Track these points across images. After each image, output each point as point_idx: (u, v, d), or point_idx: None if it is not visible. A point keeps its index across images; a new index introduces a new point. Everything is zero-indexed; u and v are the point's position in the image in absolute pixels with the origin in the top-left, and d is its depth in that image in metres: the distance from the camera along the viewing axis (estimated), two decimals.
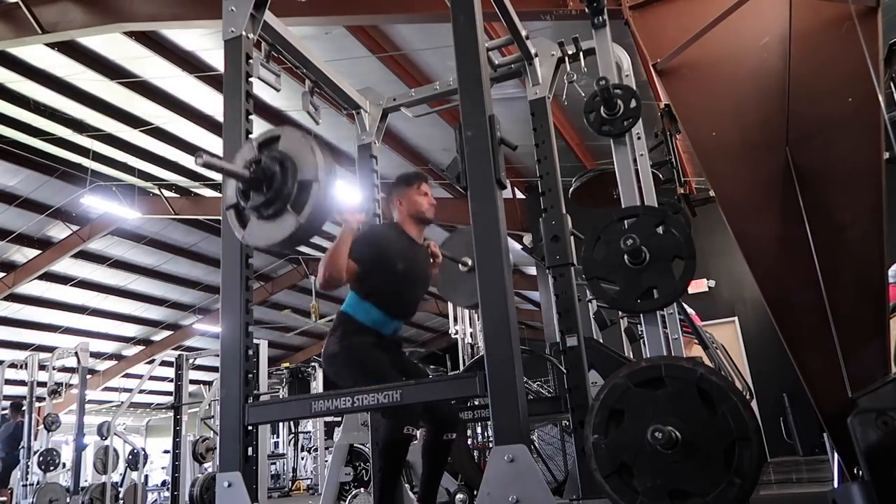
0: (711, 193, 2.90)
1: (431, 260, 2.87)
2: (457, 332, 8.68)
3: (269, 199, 1.95)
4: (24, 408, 8.68)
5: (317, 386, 11.64)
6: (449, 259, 3.14)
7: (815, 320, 2.41)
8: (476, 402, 3.19)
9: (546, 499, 1.70)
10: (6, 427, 8.78)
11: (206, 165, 1.84)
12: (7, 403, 9.02)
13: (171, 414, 8.07)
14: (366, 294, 2.59)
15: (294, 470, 12.05)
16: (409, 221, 2.77)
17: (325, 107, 3.34)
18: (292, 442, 12.34)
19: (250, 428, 2.12)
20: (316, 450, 10.79)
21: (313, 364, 12.41)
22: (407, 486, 2.75)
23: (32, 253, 12.09)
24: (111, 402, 17.68)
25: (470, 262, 3.25)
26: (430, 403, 2.48)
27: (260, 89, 2.56)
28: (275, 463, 12.11)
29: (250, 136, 2.15)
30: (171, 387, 9.47)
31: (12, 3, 6.68)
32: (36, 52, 7.51)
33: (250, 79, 2.42)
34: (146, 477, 10.85)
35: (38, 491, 7.65)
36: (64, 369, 10.04)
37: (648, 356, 2.11)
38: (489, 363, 1.84)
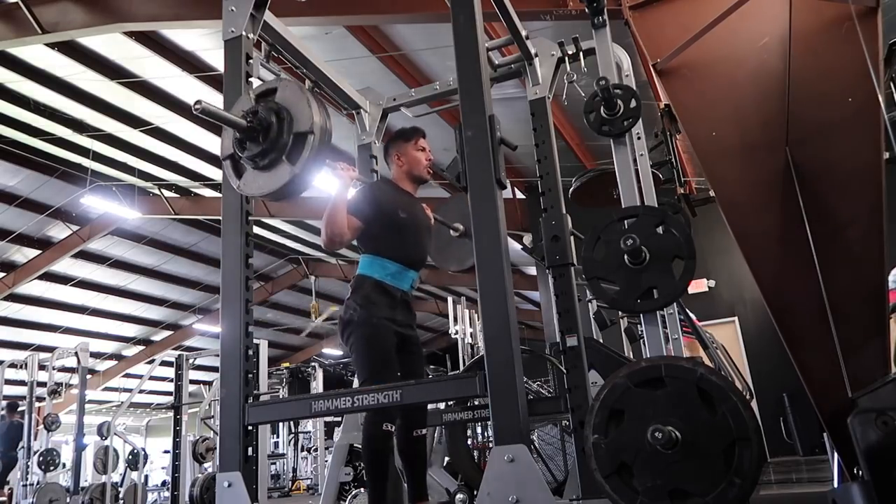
0: (711, 193, 2.90)
1: None
2: (457, 332, 8.69)
3: (265, 149, 1.98)
4: (20, 407, 8.68)
5: (317, 386, 11.65)
6: (441, 223, 3.19)
7: (815, 320, 2.41)
8: (476, 402, 3.19)
9: (546, 499, 1.70)
10: (1, 426, 8.78)
11: (204, 112, 1.89)
12: (4, 403, 9.02)
13: (171, 414, 8.07)
14: (376, 249, 2.65)
15: (294, 470, 12.06)
16: (406, 178, 2.84)
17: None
18: (292, 442, 12.35)
19: (250, 428, 2.12)
20: (316, 450, 10.79)
21: (313, 364, 12.41)
22: (407, 485, 2.75)
23: (32, 253, 12.09)
24: (111, 402, 17.70)
25: (462, 228, 3.30)
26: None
27: None
28: (275, 463, 12.12)
29: (248, 90, 2.20)
30: (171, 387, 9.47)
31: (12, 3, 6.68)
32: (36, 52, 7.51)
33: (250, 79, 2.42)
34: (146, 477, 10.85)
35: (38, 491, 7.65)
36: (64, 369, 10.04)
37: (648, 356, 2.11)
38: (489, 363, 1.84)
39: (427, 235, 2.88)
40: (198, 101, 1.87)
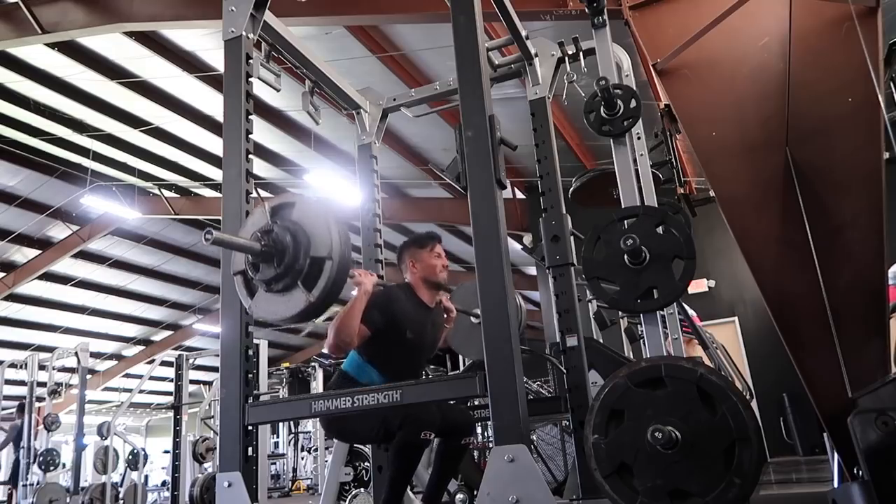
0: (711, 193, 2.90)
1: (445, 315, 2.81)
2: None
3: (279, 273, 1.88)
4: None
5: (317, 386, 11.64)
6: (461, 312, 3.09)
7: (815, 320, 2.41)
8: (476, 402, 3.19)
9: (546, 499, 1.70)
10: (14, 428, 8.78)
11: (217, 243, 1.80)
12: (14, 404, 9.02)
13: (171, 414, 8.07)
14: (369, 357, 2.56)
15: (294, 470, 12.04)
16: (422, 285, 2.71)
17: (325, 107, 3.34)
18: (292, 442, 12.34)
19: (250, 428, 2.12)
20: (316, 450, 10.78)
21: (313, 364, 12.40)
22: (426, 488, 2.75)
23: (32, 253, 12.09)
24: (111, 402, 17.70)
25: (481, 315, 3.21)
26: (445, 409, 2.50)
27: (260, 89, 2.56)
28: (275, 463, 12.10)
29: (263, 201, 2.09)
30: (171, 387, 9.47)
31: (12, 3, 6.68)
32: (36, 52, 7.51)
33: (250, 79, 2.42)
34: (146, 477, 10.85)
35: (38, 491, 7.65)
36: (64, 369, 10.03)
37: (648, 356, 2.11)
38: (489, 363, 1.84)
39: (427, 354, 2.78)
40: (208, 232, 1.76)
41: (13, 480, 8.22)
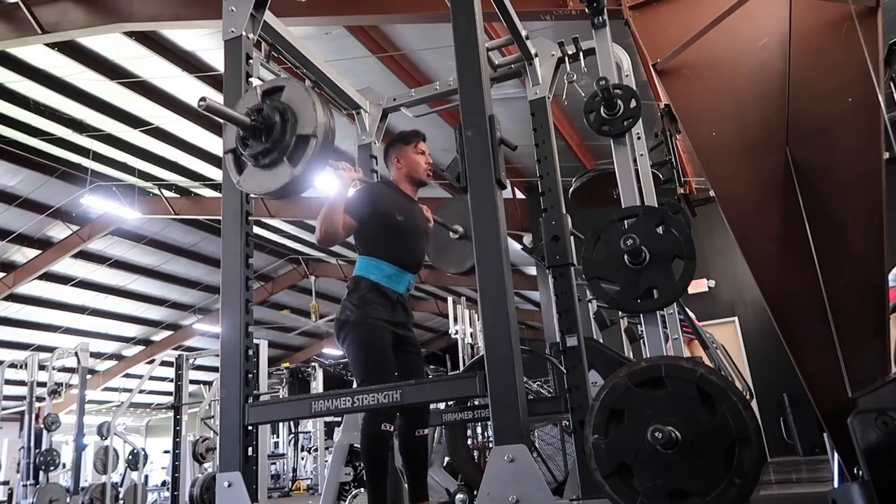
0: (711, 193, 2.90)
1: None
2: (457, 332, 8.69)
3: (267, 148, 1.99)
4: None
5: (317, 386, 11.65)
6: (440, 225, 3.19)
7: (815, 320, 2.41)
8: (476, 402, 3.19)
9: (546, 499, 1.70)
10: None
11: (209, 109, 1.87)
12: (15, 404, 9.02)
13: (171, 414, 8.08)
14: (373, 251, 2.64)
15: (294, 470, 12.05)
16: (405, 180, 2.84)
17: None
18: (292, 442, 12.35)
19: (250, 428, 2.12)
20: (316, 450, 10.79)
21: (313, 364, 12.41)
22: (407, 485, 2.75)
23: (32, 253, 12.09)
24: (111, 402, 17.70)
25: (461, 230, 3.30)
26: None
27: None
28: (275, 463, 12.11)
29: (255, 86, 2.20)
30: (171, 387, 9.48)
31: (12, 3, 6.68)
32: (36, 52, 7.51)
33: (250, 79, 2.42)
34: (146, 477, 10.86)
35: (38, 491, 7.65)
36: (64, 369, 10.03)
37: (648, 356, 2.11)
38: (489, 363, 1.83)
39: (425, 238, 2.87)
40: (202, 98, 1.87)
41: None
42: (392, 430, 2.46)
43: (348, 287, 2.66)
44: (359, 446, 2.53)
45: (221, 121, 2.09)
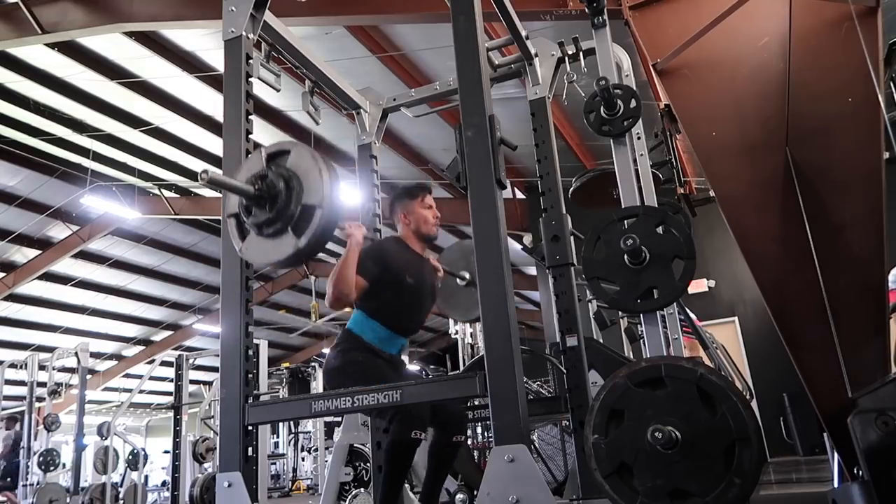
0: (711, 193, 2.90)
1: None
2: (457, 332, 8.70)
3: (270, 217, 1.91)
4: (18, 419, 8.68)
5: (317, 386, 11.64)
6: (448, 273, 3.10)
7: (815, 320, 2.41)
8: (476, 402, 3.19)
9: (546, 499, 1.70)
10: (8, 436, 8.78)
11: (211, 183, 1.82)
12: (15, 404, 9.04)
13: (171, 414, 8.07)
14: (373, 311, 2.55)
15: (294, 470, 12.05)
16: (413, 237, 2.72)
17: (325, 107, 3.33)
18: (292, 442, 12.34)
19: (250, 428, 2.12)
20: (316, 450, 10.79)
21: (313, 364, 12.41)
22: (407, 485, 2.75)
23: (32, 253, 12.09)
24: (111, 402, 17.71)
25: (468, 276, 3.23)
26: (437, 406, 2.46)
27: (260, 89, 2.55)
28: (275, 463, 12.11)
29: (260, 146, 2.10)
30: (171, 387, 9.47)
31: (12, 3, 6.68)
32: (36, 52, 7.51)
33: (250, 79, 2.42)
34: (146, 477, 10.85)
35: (38, 491, 7.65)
36: (64, 369, 10.03)
37: (648, 356, 2.11)
38: (489, 363, 1.83)
39: (430, 301, 2.78)
40: (204, 171, 1.79)
41: (12, 482, 8.20)
42: (423, 437, 2.38)
43: (338, 339, 2.61)
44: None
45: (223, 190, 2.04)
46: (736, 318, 9.04)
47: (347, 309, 2.63)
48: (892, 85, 2.97)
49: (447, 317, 9.23)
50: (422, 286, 2.67)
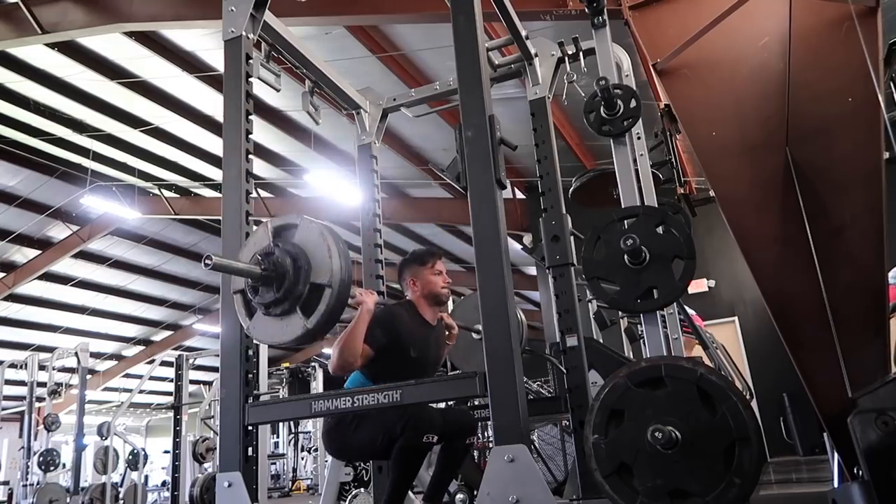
0: (711, 193, 2.89)
1: (447, 333, 2.80)
2: None
3: (278, 298, 1.88)
4: None
5: (317, 386, 11.65)
6: (462, 328, 3.06)
7: (815, 320, 2.41)
8: (476, 402, 3.19)
9: (546, 499, 1.70)
10: None
11: (217, 268, 1.78)
12: (15, 404, 9.03)
13: (171, 414, 8.08)
14: (372, 377, 2.50)
15: (294, 470, 12.05)
16: (424, 303, 2.67)
17: (325, 107, 3.34)
18: (292, 442, 12.34)
19: (250, 428, 2.12)
20: (316, 450, 10.79)
21: (313, 364, 12.41)
22: (428, 486, 2.74)
23: (32, 253, 12.09)
24: (111, 402, 17.69)
25: (482, 330, 3.19)
26: (446, 411, 2.48)
27: (260, 89, 2.55)
28: (275, 463, 12.11)
29: (267, 221, 2.06)
30: (171, 387, 9.47)
31: (12, 3, 6.68)
32: (36, 52, 7.50)
33: (250, 79, 2.42)
34: (146, 477, 10.85)
35: (38, 491, 7.65)
36: (64, 369, 10.03)
37: (648, 356, 2.11)
38: (489, 363, 1.84)
39: (432, 371, 2.74)
40: (208, 257, 1.75)
41: None
42: (434, 441, 2.37)
43: None
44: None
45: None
46: (736, 318, 9.04)
47: None
48: (892, 85, 2.97)
49: None
50: (426, 358, 2.63)
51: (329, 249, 1.86)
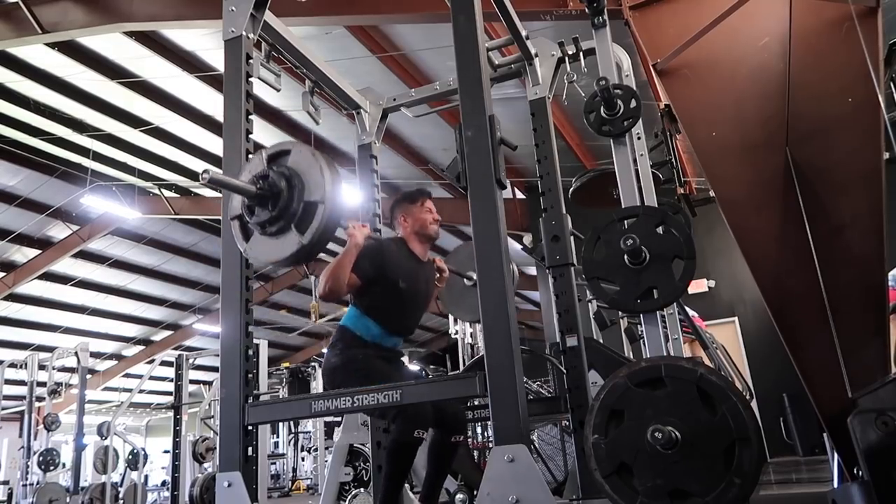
0: (711, 193, 2.90)
1: (438, 275, 2.86)
2: (457, 333, 8.69)
3: (273, 216, 1.94)
4: None
5: (317, 386, 11.64)
6: (454, 273, 3.12)
7: (815, 320, 2.41)
8: (476, 402, 3.19)
9: (546, 499, 1.70)
10: None
11: (213, 182, 1.83)
12: (15, 404, 9.04)
13: (171, 414, 8.07)
14: (366, 309, 2.60)
15: (294, 470, 12.05)
16: (414, 238, 2.75)
17: (325, 107, 3.33)
18: (292, 442, 12.34)
19: (250, 428, 2.12)
20: (316, 450, 10.79)
21: (313, 364, 12.41)
22: (407, 485, 2.75)
23: (32, 253, 12.09)
24: (111, 402, 17.70)
25: (475, 277, 3.25)
26: (437, 406, 2.48)
27: (260, 89, 2.55)
28: (275, 463, 12.11)
29: (261, 148, 2.13)
30: (171, 387, 9.47)
31: (12, 3, 6.68)
32: (36, 52, 7.51)
33: (250, 79, 2.42)
34: (146, 477, 10.85)
35: (38, 491, 7.65)
36: (64, 369, 10.03)
37: (648, 356, 2.11)
38: (489, 363, 1.83)
39: (424, 304, 2.80)
40: (205, 171, 1.81)
41: None
42: (425, 437, 2.41)
43: (333, 338, 2.64)
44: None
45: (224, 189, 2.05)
46: (736, 318, 9.04)
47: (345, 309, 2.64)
48: (892, 85, 2.97)
49: (447, 316, 9.23)
50: (416, 290, 2.69)
51: (321, 169, 1.93)
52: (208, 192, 11.07)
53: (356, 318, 2.61)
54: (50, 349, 9.37)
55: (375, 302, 2.59)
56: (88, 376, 8.92)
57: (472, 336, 8.87)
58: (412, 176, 9.75)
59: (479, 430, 5.42)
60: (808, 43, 2.68)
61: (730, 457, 1.61)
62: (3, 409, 9.41)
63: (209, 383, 9.75)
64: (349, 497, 4.06)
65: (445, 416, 2.57)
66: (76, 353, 8.54)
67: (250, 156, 2.25)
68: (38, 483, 7.97)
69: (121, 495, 8.41)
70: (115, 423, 8.49)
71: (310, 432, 11.72)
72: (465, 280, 3.27)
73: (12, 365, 9.07)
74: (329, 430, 11.00)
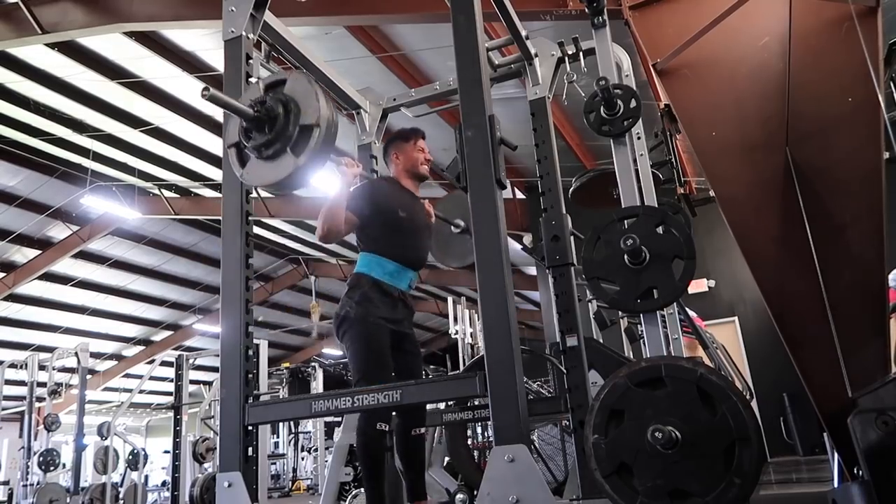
0: (711, 193, 2.90)
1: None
2: (457, 332, 8.69)
3: (270, 139, 1.99)
4: None
5: (317, 386, 11.64)
6: (442, 220, 3.20)
7: (815, 320, 2.41)
8: (476, 402, 3.19)
9: (546, 499, 1.70)
10: None
11: (212, 99, 1.87)
12: (15, 404, 9.04)
13: (171, 414, 8.08)
14: (375, 247, 2.65)
15: (294, 470, 12.05)
16: (406, 176, 2.87)
17: None
18: (292, 442, 12.35)
19: (250, 428, 2.12)
20: (316, 450, 10.79)
21: (313, 364, 12.41)
22: (406, 486, 2.75)
23: (32, 253, 12.08)
24: (111, 402, 17.70)
25: (462, 224, 3.33)
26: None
27: None
28: (275, 463, 12.11)
29: (259, 79, 2.21)
30: (171, 387, 9.47)
31: (12, 3, 6.68)
32: (36, 52, 7.51)
33: (250, 79, 2.42)
34: (146, 477, 10.85)
35: (38, 491, 7.65)
36: (64, 369, 10.03)
37: (648, 356, 2.11)
38: (489, 363, 1.83)
39: (427, 235, 2.88)
40: (206, 88, 1.87)
41: None
42: (388, 429, 2.47)
43: (349, 283, 2.66)
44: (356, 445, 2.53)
45: (224, 113, 2.10)
46: (736, 318, 9.04)
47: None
48: (892, 85, 2.97)
49: (447, 316, 9.23)
50: (415, 220, 2.77)
51: (316, 94, 1.98)
52: (208, 193, 11.08)
53: (369, 261, 2.65)
54: (50, 349, 9.37)
55: (381, 237, 2.65)
56: (88, 377, 8.92)
57: (472, 336, 8.87)
58: None
59: (479, 430, 5.43)
60: (808, 43, 2.68)
61: (730, 457, 1.61)
62: (4, 409, 9.41)
63: (209, 383, 9.75)
64: (349, 497, 4.06)
65: (403, 411, 2.63)
66: (76, 354, 8.54)
67: (250, 80, 2.34)
68: (38, 483, 7.97)
69: (121, 495, 8.41)
70: (116, 424, 8.49)
71: (310, 432, 11.72)
72: (451, 227, 3.33)
73: (12, 365, 9.07)
74: (329, 430, 11.01)
